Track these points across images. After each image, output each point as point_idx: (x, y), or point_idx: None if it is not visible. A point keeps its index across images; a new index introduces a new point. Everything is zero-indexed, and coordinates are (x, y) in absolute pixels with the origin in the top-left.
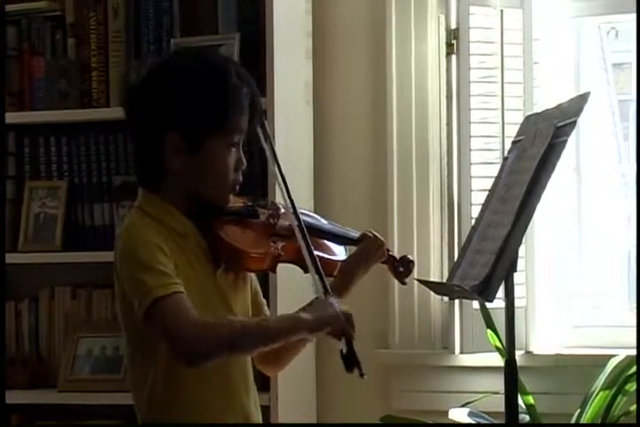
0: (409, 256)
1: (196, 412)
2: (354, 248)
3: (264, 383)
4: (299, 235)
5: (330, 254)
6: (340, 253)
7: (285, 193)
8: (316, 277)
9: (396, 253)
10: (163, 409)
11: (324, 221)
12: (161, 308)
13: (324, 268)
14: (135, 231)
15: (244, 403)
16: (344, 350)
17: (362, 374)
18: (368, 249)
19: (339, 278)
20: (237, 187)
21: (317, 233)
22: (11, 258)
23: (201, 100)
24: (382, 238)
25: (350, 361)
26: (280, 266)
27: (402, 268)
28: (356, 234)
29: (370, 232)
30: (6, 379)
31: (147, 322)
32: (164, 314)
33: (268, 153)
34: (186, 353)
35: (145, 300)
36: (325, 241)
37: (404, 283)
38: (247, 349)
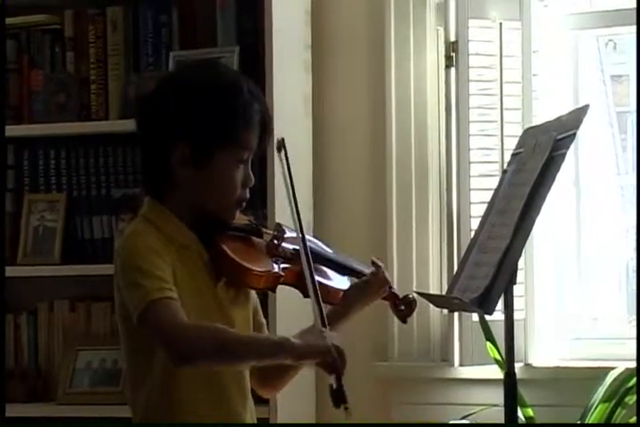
0: (411, 295)
1: (191, 420)
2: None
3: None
4: (304, 262)
5: (331, 283)
6: (342, 282)
7: (297, 221)
8: (316, 306)
9: (394, 275)
10: (158, 419)
11: (328, 250)
12: (155, 309)
13: (324, 295)
14: (137, 238)
15: (240, 413)
16: (333, 386)
17: (347, 409)
18: (374, 285)
19: (339, 307)
20: (244, 203)
21: (322, 261)
22: (9, 271)
23: (212, 115)
24: (389, 278)
25: (338, 398)
26: (280, 286)
27: (403, 306)
28: (358, 265)
29: (379, 266)
30: (5, 392)
31: (140, 324)
32: (158, 315)
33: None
34: (178, 353)
35: (141, 302)
36: (328, 269)
37: (404, 322)
38: (234, 359)
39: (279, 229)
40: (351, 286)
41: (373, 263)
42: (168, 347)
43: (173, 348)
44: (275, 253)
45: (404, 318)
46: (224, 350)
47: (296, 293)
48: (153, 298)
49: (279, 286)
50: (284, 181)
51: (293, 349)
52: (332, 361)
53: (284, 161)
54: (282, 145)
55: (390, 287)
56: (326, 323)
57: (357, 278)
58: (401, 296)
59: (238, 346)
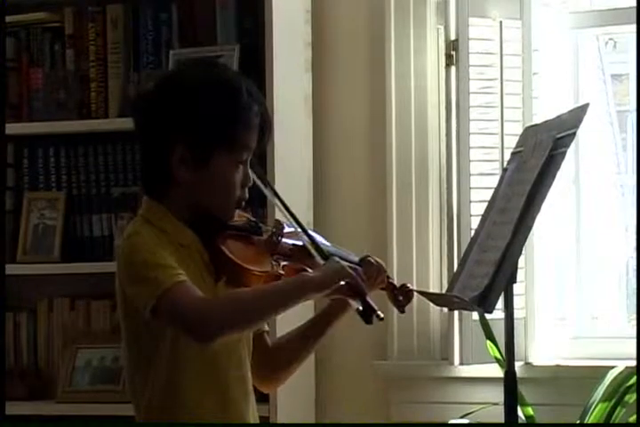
0: (408, 285)
1: (194, 420)
2: None
3: (263, 394)
4: (303, 237)
5: None
6: None
7: (291, 217)
8: (308, 241)
9: (394, 273)
10: (161, 418)
11: (327, 244)
12: (171, 296)
13: None
14: (137, 237)
15: (242, 412)
16: (359, 308)
17: (381, 319)
18: (367, 274)
19: (336, 301)
20: (243, 203)
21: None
22: (9, 269)
23: (211, 117)
24: (383, 264)
25: (368, 314)
26: None
27: (401, 296)
28: (355, 258)
29: (370, 257)
30: (5, 391)
31: (156, 315)
32: (175, 298)
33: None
34: (204, 327)
35: (153, 293)
36: None
37: (402, 311)
38: (261, 313)
39: (278, 226)
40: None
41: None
42: (194, 325)
43: (200, 324)
44: (274, 250)
45: (401, 307)
46: (252, 311)
47: None
48: (166, 287)
49: None
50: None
51: (312, 281)
52: (352, 280)
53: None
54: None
55: (388, 277)
56: (327, 255)
57: None
58: (398, 286)
59: (262, 301)
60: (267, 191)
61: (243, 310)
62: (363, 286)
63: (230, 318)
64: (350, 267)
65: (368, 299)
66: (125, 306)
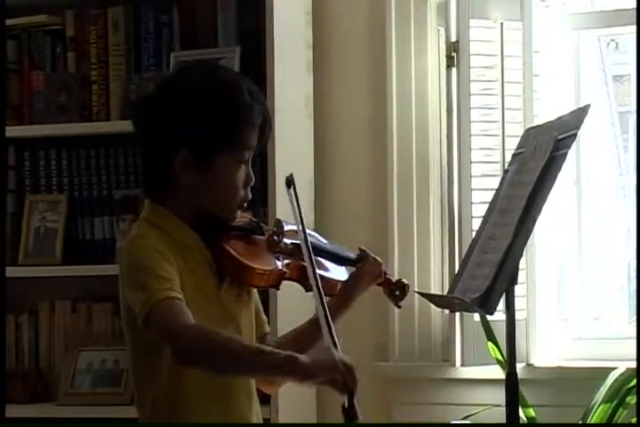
0: (404, 280)
1: (197, 421)
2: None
3: (265, 396)
4: (306, 258)
5: (330, 275)
6: (341, 273)
7: (298, 217)
8: (324, 322)
9: (395, 275)
10: (165, 420)
11: (325, 242)
12: (160, 310)
13: (326, 288)
14: (140, 241)
15: (246, 415)
16: (345, 404)
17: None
18: (367, 270)
19: (337, 298)
20: (245, 203)
21: (320, 253)
22: (11, 272)
23: (212, 118)
24: (380, 259)
25: (349, 416)
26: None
27: (397, 291)
28: (353, 254)
29: (368, 254)
30: (6, 393)
31: (146, 326)
32: (162, 316)
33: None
34: (180, 352)
35: (145, 304)
36: (327, 261)
37: (398, 306)
38: (236, 365)
39: (279, 225)
40: (349, 276)
41: (360, 250)
42: (172, 346)
43: (177, 347)
44: (276, 249)
45: (398, 302)
46: (227, 355)
47: (297, 289)
48: (157, 299)
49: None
50: (294, 217)
51: (301, 365)
52: (341, 378)
53: (294, 198)
54: (291, 182)
55: (385, 273)
56: (337, 343)
57: (354, 267)
58: (394, 281)
59: (242, 353)
60: (290, 191)
61: (217, 357)
62: (352, 385)
63: (202, 353)
64: (343, 363)
65: (354, 400)
66: (127, 311)
